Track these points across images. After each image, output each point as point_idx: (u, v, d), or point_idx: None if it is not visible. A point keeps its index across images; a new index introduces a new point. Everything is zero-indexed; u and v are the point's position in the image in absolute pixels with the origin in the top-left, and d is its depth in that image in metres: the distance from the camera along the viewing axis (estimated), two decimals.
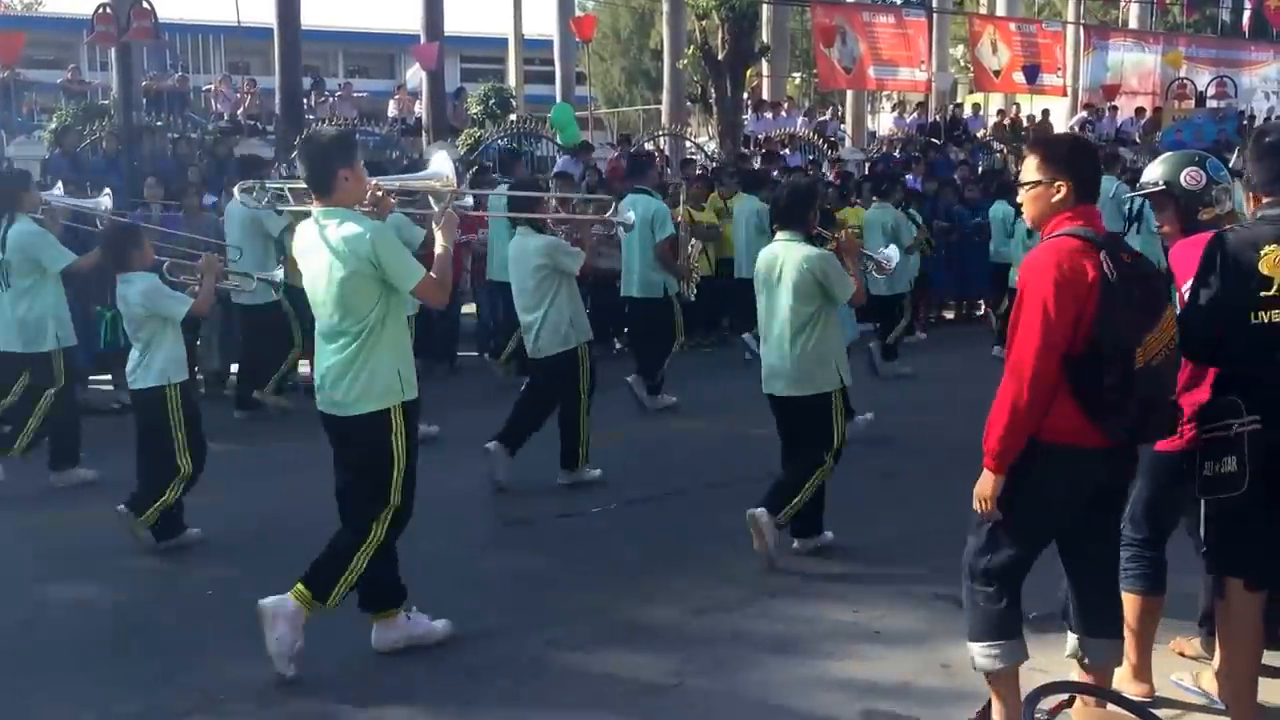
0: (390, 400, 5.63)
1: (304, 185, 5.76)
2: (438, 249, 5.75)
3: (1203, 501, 4.72)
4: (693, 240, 12.75)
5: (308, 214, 5.73)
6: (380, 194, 5.75)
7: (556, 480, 8.72)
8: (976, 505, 4.44)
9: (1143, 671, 5.07)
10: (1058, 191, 4.37)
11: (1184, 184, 4.96)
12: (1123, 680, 4.96)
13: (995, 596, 4.51)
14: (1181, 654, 5.46)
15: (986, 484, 4.39)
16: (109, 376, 12.31)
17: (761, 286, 7.21)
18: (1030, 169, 4.49)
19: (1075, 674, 4.68)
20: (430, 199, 6.13)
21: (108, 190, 10.36)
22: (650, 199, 11.53)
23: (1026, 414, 4.25)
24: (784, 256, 7.05)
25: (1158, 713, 4.20)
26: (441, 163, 6.26)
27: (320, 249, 5.55)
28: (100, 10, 17.21)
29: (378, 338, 5.57)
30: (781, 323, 7.06)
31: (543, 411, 8.81)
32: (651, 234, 11.23)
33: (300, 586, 5.53)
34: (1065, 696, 4.29)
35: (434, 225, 5.87)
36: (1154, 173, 5.12)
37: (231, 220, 11.08)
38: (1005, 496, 4.37)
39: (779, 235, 7.17)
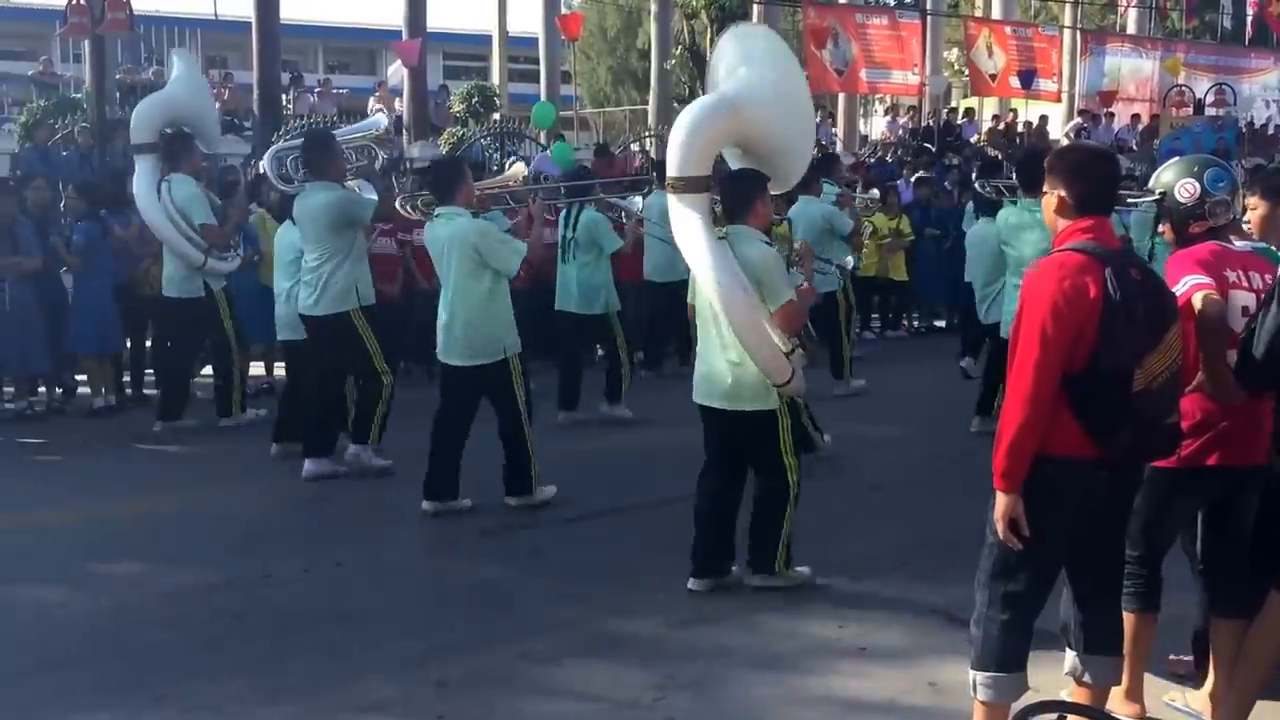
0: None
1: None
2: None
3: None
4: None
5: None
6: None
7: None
8: (997, 529, 4.29)
9: (1134, 692, 4.96)
10: (1056, 201, 4.36)
11: (1177, 197, 4.88)
12: (1114, 700, 4.82)
13: (1010, 625, 4.38)
14: (1174, 672, 5.38)
15: (1001, 505, 4.26)
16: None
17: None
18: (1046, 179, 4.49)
19: (1066, 693, 4.66)
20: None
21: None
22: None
23: (1028, 432, 4.17)
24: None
25: None
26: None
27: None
28: (74, 1, 16.81)
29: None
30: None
31: None
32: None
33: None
34: (1055, 717, 4.28)
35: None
36: (1161, 179, 5.04)
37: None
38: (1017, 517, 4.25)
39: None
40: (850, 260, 11.17)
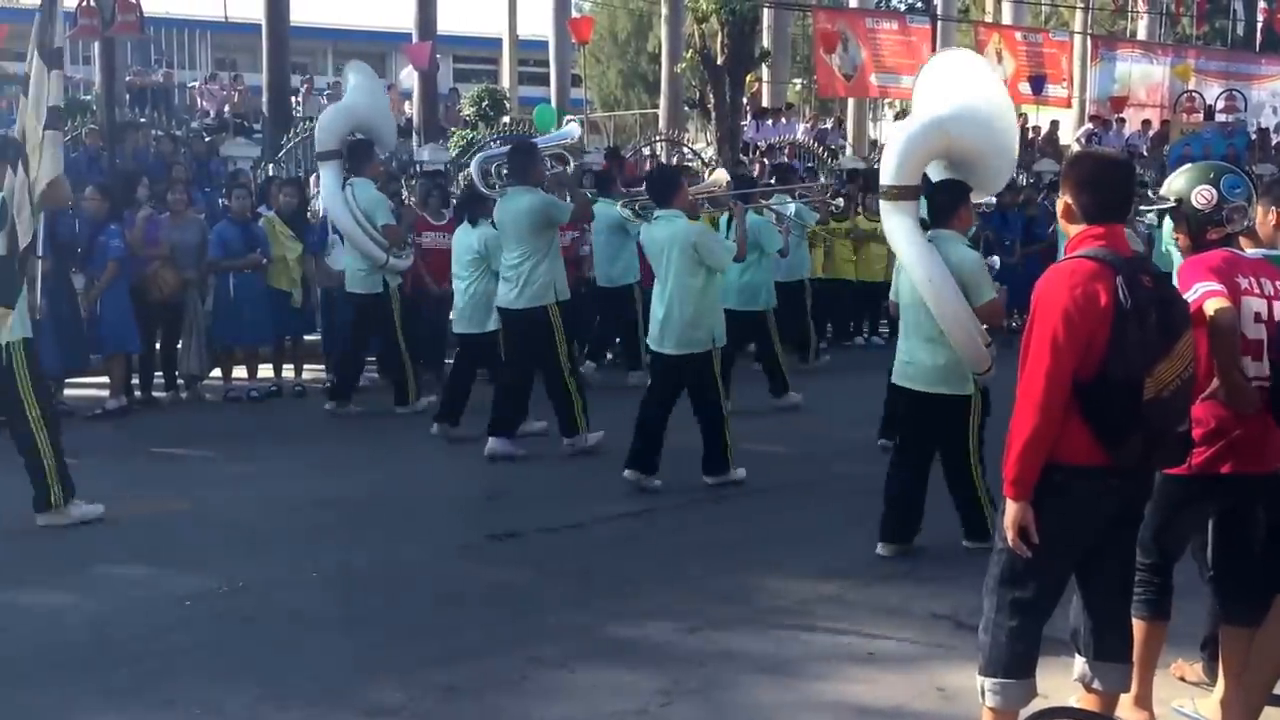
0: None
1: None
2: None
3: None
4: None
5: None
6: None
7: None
8: (1007, 536, 4.26)
9: (1143, 699, 4.90)
10: (1063, 208, 4.38)
11: (1194, 203, 4.85)
12: (1123, 707, 4.79)
13: (1018, 632, 4.36)
14: (1183, 679, 5.36)
15: (1011, 513, 4.23)
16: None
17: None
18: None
19: (1075, 699, 4.65)
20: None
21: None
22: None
23: (1038, 439, 4.16)
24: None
25: None
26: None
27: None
28: (84, 3, 16.85)
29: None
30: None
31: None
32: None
33: None
34: None
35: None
36: (1173, 185, 5.02)
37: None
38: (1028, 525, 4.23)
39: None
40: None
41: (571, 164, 11.29)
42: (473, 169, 10.48)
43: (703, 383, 8.54)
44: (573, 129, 13.82)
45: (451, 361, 11.29)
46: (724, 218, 11.08)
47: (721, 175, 10.36)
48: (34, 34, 7.49)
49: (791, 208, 12.50)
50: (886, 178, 7.11)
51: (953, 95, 7.10)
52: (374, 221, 10.84)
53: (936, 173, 7.25)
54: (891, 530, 7.24)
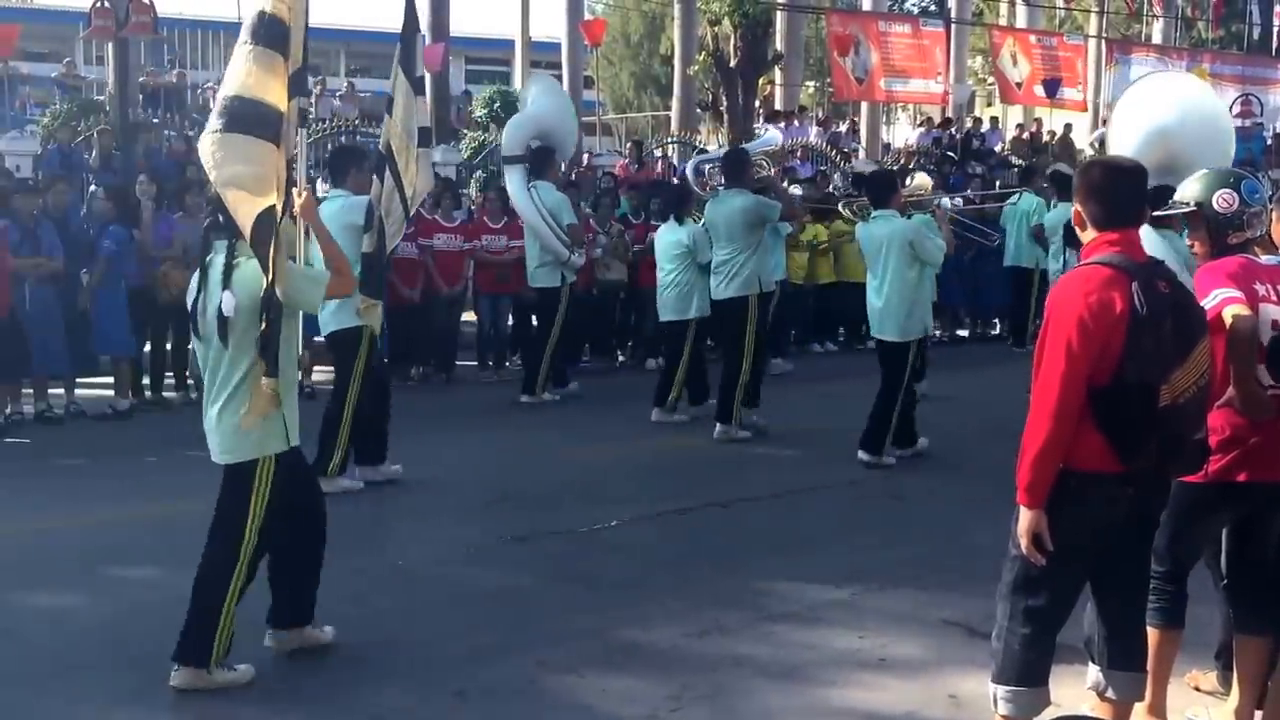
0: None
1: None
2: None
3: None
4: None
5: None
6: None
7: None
8: (1021, 544, 4.23)
9: (1158, 708, 4.87)
10: (1074, 216, 4.38)
11: (1216, 207, 4.81)
12: (1137, 716, 4.74)
13: (1031, 640, 4.32)
14: (1197, 688, 5.33)
15: (1024, 521, 4.21)
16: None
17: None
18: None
19: (1089, 707, 4.61)
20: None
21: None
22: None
23: (1052, 446, 4.14)
24: None
25: None
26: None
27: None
28: (98, 4, 16.89)
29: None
30: None
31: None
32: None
33: None
34: None
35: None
36: (1188, 190, 4.96)
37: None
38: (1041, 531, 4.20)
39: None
40: None
41: (773, 168, 12.25)
42: (688, 171, 11.80)
43: (894, 367, 9.39)
44: (775, 135, 15.42)
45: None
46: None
47: (925, 179, 11.38)
48: (397, 60, 8.21)
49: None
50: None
51: (1169, 109, 7.06)
52: (559, 220, 11.72)
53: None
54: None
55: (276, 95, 5.24)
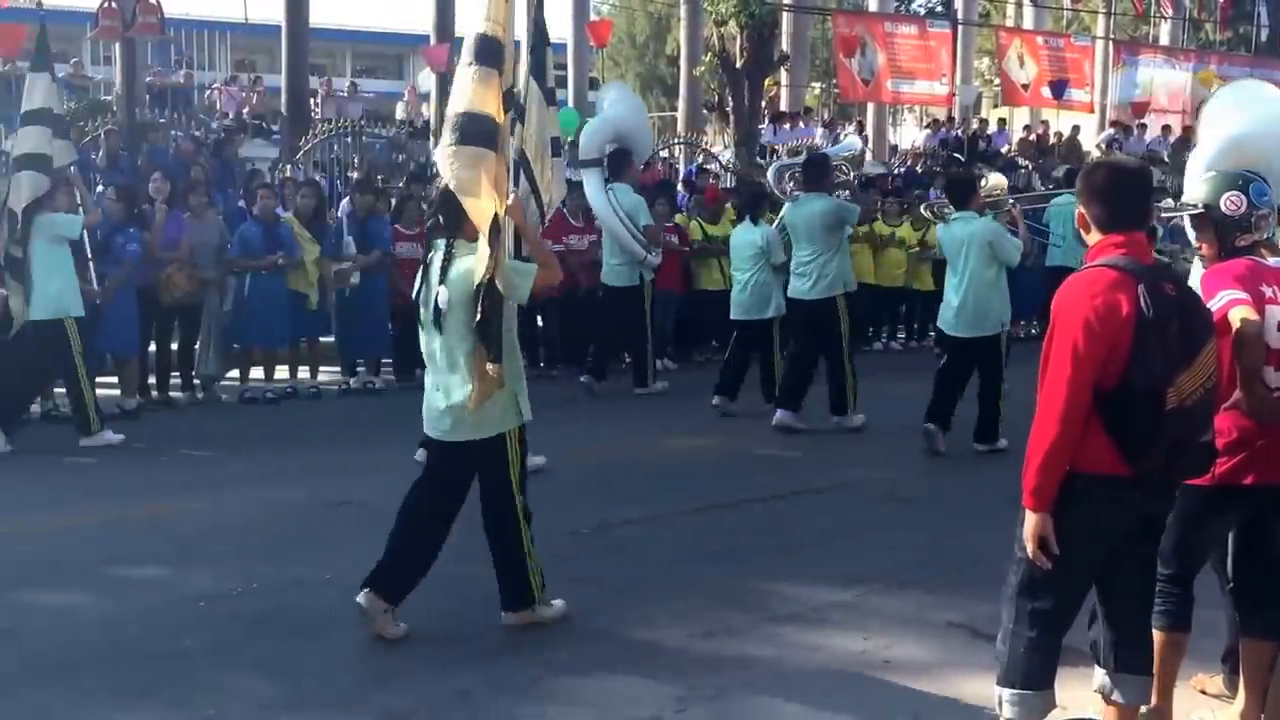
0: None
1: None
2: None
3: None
4: None
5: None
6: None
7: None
8: (1027, 547, 4.24)
9: (1163, 711, 4.84)
10: (1078, 218, 4.39)
11: (1224, 209, 4.82)
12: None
13: (1037, 643, 4.33)
14: (1203, 691, 5.32)
15: (1030, 524, 4.22)
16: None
17: None
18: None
19: (1094, 710, 4.63)
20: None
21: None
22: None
23: (1058, 449, 4.14)
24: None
25: None
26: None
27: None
28: (105, 4, 16.87)
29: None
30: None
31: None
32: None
33: None
34: None
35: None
36: (1196, 192, 5.00)
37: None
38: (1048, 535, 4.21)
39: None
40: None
41: (853, 172, 12.69)
42: (770, 176, 12.04)
43: (989, 361, 9.73)
44: (854, 141, 16.21)
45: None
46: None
47: (1001, 179, 11.56)
48: (528, 70, 7.96)
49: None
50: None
51: (1243, 117, 6.86)
52: (635, 222, 12.24)
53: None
54: None
55: (495, 109, 5.75)
